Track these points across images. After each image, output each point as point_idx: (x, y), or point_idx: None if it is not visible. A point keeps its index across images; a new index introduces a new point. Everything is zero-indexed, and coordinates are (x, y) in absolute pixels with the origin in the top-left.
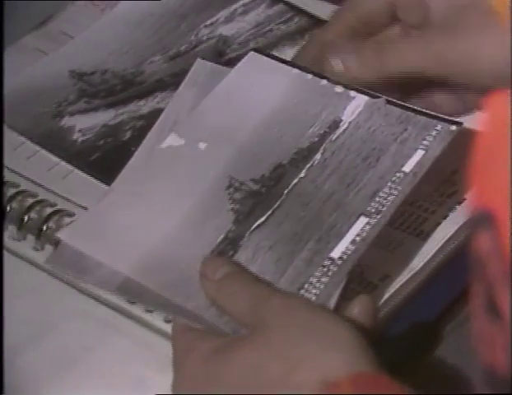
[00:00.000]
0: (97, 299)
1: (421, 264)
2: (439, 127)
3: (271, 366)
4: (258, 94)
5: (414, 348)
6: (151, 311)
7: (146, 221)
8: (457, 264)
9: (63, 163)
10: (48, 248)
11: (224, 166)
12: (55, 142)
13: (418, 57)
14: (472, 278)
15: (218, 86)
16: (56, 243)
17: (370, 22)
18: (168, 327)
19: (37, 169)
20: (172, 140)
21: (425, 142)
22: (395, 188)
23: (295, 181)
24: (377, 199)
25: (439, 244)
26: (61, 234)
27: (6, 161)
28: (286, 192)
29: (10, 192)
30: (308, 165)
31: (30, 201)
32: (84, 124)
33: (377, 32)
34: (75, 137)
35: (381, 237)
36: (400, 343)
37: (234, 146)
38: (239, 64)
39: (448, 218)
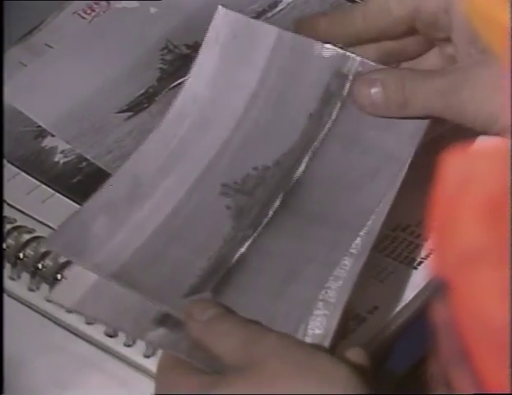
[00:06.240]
0: (75, 333)
1: (413, 295)
2: None
3: None
4: None
5: None
6: (130, 345)
7: (79, 76)
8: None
9: (43, 186)
10: (25, 276)
11: (166, 30)
12: (35, 164)
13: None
14: (431, 345)
15: None
16: (32, 272)
17: (379, 27)
18: (147, 363)
19: (15, 193)
20: (127, 3)
21: None
22: None
23: None
24: None
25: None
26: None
27: None
28: None
29: None
30: None
31: (8, 227)
32: (66, 145)
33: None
34: (56, 158)
35: (371, 265)
36: None
37: (181, 14)
38: None
39: None
